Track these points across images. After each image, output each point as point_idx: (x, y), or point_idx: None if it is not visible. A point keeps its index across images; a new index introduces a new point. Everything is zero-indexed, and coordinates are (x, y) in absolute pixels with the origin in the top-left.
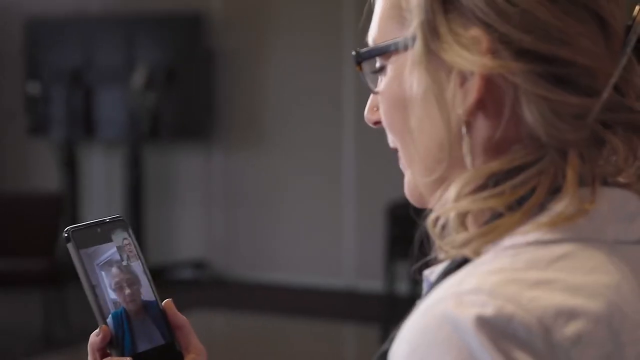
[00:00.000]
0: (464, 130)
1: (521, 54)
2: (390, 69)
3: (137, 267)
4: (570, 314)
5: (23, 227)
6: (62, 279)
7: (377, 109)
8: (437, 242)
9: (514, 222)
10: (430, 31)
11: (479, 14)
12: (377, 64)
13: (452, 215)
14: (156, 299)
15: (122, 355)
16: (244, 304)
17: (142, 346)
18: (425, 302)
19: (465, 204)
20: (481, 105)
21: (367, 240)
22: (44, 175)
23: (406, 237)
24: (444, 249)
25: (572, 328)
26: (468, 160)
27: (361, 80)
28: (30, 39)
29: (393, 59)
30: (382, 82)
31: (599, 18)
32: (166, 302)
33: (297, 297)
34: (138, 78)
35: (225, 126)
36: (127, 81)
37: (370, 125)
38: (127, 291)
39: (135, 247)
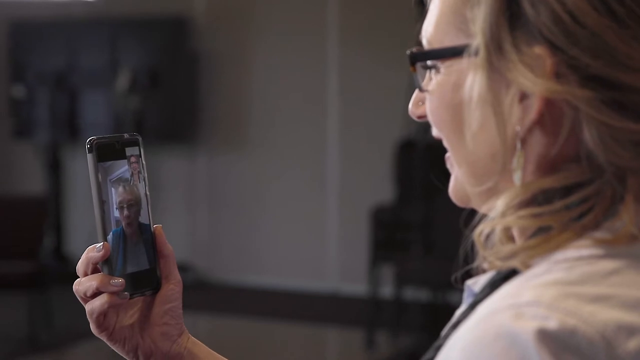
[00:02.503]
0: (519, 145)
1: (587, 79)
2: (445, 72)
3: (141, 188)
4: (630, 330)
5: (7, 230)
6: (46, 281)
7: (422, 104)
8: (481, 252)
9: (568, 238)
10: (495, 46)
11: (545, 33)
12: (429, 62)
13: (499, 227)
14: (150, 223)
15: (112, 273)
16: (227, 307)
17: (130, 268)
18: (479, 313)
19: (515, 219)
20: (539, 122)
21: (350, 244)
22: (28, 178)
23: (390, 240)
24: (489, 259)
25: (633, 343)
26: (517, 175)
27: (414, 78)
28: (14, 42)
29: (449, 62)
30: (433, 82)
31: None
32: (157, 228)
33: (281, 300)
34: (122, 81)
35: (209, 129)
36: (111, 84)
37: (414, 118)
38: (126, 212)
39: (142, 165)
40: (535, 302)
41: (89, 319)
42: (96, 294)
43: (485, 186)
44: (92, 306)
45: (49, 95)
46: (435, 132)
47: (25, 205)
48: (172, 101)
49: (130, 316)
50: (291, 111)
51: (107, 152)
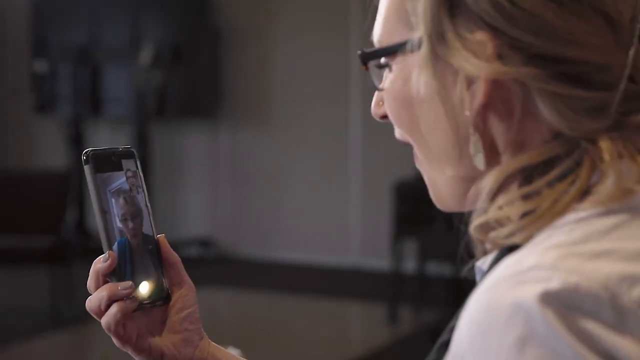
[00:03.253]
0: (471, 131)
1: (530, 57)
2: (395, 69)
3: (141, 199)
4: (633, 279)
5: (30, 205)
6: (68, 256)
7: (383, 104)
8: (483, 240)
9: (561, 209)
10: (437, 36)
11: (486, 18)
12: (382, 60)
13: (493, 217)
14: (153, 233)
15: (122, 281)
16: (249, 282)
17: (139, 278)
18: (484, 283)
19: (507, 209)
20: (490, 106)
21: (373, 219)
22: (50, 152)
23: (412, 215)
24: (491, 243)
25: (637, 291)
26: (478, 158)
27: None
28: (36, 16)
29: (399, 59)
30: (387, 80)
31: (604, 14)
32: (160, 238)
33: (303, 275)
34: (145, 56)
35: (232, 104)
36: (134, 59)
37: (377, 119)
38: (131, 224)
39: (140, 178)
40: (536, 265)
41: (109, 334)
42: (109, 306)
43: (455, 173)
44: (107, 318)
45: (71, 70)
46: (397, 133)
47: (48, 180)
48: (195, 76)
49: (149, 325)
50: (314, 86)
51: (104, 164)
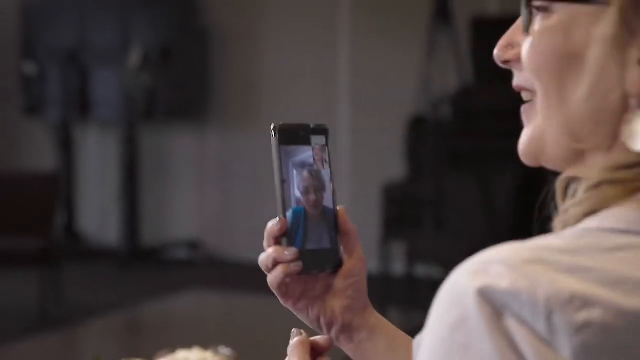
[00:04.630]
0: (634, 105)
1: None
2: (561, 16)
3: (326, 174)
4: (585, 302)
5: (19, 207)
6: (57, 258)
7: (512, 48)
8: (559, 201)
9: (614, 197)
10: (635, 8)
11: None
12: (542, 2)
13: (587, 184)
14: (334, 207)
15: (290, 246)
16: (237, 284)
17: (311, 245)
18: (467, 261)
19: (605, 175)
20: None
21: (362, 220)
22: (39, 155)
23: (401, 217)
24: (567, 215)
25: (583, 315)
26: (635, 140)
27: (522, 16)
28: (26, 18)
29: (571, 7)
30: (542, 25)
31: None
32: (340, 209)
33: None
34: (133, 58)
35: (221, 106)
36: (122, 61)
37: (499, 63)
38: (313, 197)
39: (328, 154)
40: (503, 260)
41: (273, 290)
42: (274, 266)
43: (579, 144)
44: (271, 277)
45: (60, 72)
46: (521, 80)
47: (37, 182)
48: (184, 78)
49: (316, 289)
50: (302, 87)
51: (290, 137)
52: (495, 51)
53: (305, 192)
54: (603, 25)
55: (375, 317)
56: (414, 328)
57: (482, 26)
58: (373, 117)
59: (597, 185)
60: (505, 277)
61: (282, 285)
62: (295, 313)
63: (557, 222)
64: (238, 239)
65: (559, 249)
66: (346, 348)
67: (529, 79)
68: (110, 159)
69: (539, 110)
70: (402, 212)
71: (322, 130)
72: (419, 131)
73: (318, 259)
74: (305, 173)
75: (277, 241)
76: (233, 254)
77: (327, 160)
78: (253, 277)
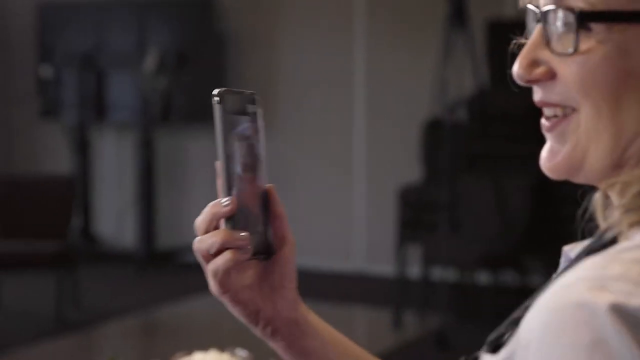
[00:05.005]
0: None
1: None
2: (616, 37)
3: (260, 148)
4: None
5: (36, 210)
6: (74, 261)
7: (538, 66)
8: (599, 212)
9: None
10: None
11: None
12: (585, 25)
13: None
14: (264, 185)
15: (239, 230)
16: None
17: (250, 229)
18: (566, 278)
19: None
20: None
21: (377, 224)
22: (55, 158)
23: (417, 220)
24: (604, 220)
25: None
26: None
27: (555, 36)
28: (42, 22)
29: (623, 27)
30: (590, 46)
31: None
32: (270, 188)
33: (307, 280)
34: (150, 61)
35: None
36: (138, 65)
37: (521, 82)
38: (250, 174)
39: (259, 126)
40: (622, 276)
41: (211, 280)
42: (218, 252)
43: (625, 155)
44: (216, 264)
45: (76, 76)
46: (552, 96)
47: (53, 185)
48: (200, 82)
49: (248, 277)
50: (318, 91)
51: (233, 105)
52: (517, 70)
53: (245, 168)
54: None
55: (310, 311)
56: (429, 330)
57: (498, 29)
58: (389, 121)
59: None
60: (634, 294)
61: (226, 274)
62: (231, 308)
63: (603, 227)
64: None
65: None
66: (280, 344)
67: (567, 95)
68: (127, 162)
69: (583, 127)
70: (417, 215)
71: (253, 99)
72: (435, 134)
73: (255, 245)
74: (245, 147)
75: (223, 223)
76: None
77: (260, 130)
78: None
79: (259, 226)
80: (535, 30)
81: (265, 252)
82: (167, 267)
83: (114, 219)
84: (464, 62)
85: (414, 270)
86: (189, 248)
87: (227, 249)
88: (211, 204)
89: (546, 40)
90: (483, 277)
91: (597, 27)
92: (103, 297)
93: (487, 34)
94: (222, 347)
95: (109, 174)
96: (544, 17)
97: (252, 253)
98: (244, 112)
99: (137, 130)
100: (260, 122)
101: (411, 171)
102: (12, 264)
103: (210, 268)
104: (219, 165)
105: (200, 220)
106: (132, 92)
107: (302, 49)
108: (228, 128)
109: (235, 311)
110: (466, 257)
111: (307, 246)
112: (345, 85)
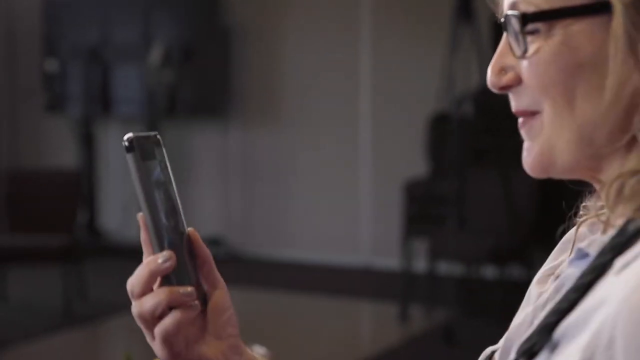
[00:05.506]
0: None
1: None
2: (561, 33)
3: (172, 192)
4: None
5: (42, 204)
6: (80, 255)
7: (506, 72)
8: (609, 205)
9: None
10: (636, 9)
11: None
12: (530, 26)
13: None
14: (184, 229)
15: (184, 284)
16: (260, 281)
17: (185, 281)
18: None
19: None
20: None
21: (383, 218)
22: (61, 152)
23: (423, 214)
24: (615, 213)
25: None
26: None
27: (512, 40)
28: (48, 16)
29: (567, 22)
30: (540, 44)
31: None
32: (191, 232)
33: (314, 274)
34: (155, 55)
35: (242, 103)
36: (144, 58)
37: (495, 90)
38: (172, 221)
39: (168, 169)
40: None
41: (159, 345)
42: (164, 313)
43: (596, 151)
44: (164, 326)
45: (82, 70)
46: (524, 102)
47: (59, 179)
48: (205, 75)
49: (194, 334)
50: (324, 84)
51: (145, 149)
52: (490, 78)
53: (167, 216)
54: (612, 29)
55: (249, 352)
56: (435, 324)
57: None
58: (395, 115)
59: None
60: None
61: (177, 335)
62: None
63: (619, 222)
64: (260, 235)
65: None
66: None
67: (535, 99)
68: None
69: (546, 124)
70: (424, 209)
71: (158, 141)
72: (441, 128)
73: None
74: (162, 194)
75: (161, 281)
76: (255, 251)
77: (170, 175)
78: (275, 273)
79: (192, 275)
80: (503, 37)
81: (202, 300)
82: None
83: (120, 212)
84: (471, 56)
85: (420, 265)
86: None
87: (172, 308)
88: (145, 262)
89: (509, 45)
90: (489, 272)
91: (542, 27)
92: (109, 291)
93: (493, 27)
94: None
95: (114, 168)
96: (505, 23)
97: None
98: (154, 157)
99: (143, 124)
100: (167, 164)
101: (417, 165)
102: (19, 258)
103: (158, 331)
104: (143, 217)
105: (136, 282)
106: (138, 86)
107: (307, 43)
108: (145, 176)
109: None
110: (472, 251)
111: (313, 240)
112: (351, 79)
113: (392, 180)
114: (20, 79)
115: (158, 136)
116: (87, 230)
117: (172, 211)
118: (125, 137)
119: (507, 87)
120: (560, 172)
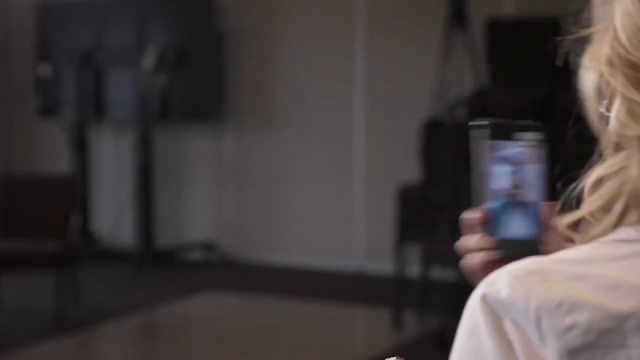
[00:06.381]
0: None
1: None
2: None
3: (533, 170)
4: (574, 307)
5: (36, 209)
6: (74, 260)
7: None
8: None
9: (609, 227)
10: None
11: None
12: None
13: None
14: (537, 202)
15: (492, 236)
16: (253, 286)
17: (511, 235)
18: None
19: (586, 206)
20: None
21: (377, 223)
22: (54, 156)
23: (416, 220)
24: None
25: (569, 319)
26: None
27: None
28: (41, 21)
29: None
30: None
31: None
32: (544, 206)
33: (307, 279)
34: (149, 59)
35: (236, 107)
36: (137, 63)
37: None
38: (512, 191)
39: (543, 151)
40: (511, 272)
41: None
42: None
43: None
44: (472, 262)
45: (75, 74)
46: None
47: (52, 184)
48: (199, 80)
49: None
50: (318, 90)
51: (499, 133)
52: None
53: (507, 186)
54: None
55: None
56: (428, 330)
57: (497, 28)
58: (389, 120)
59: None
60: (507, 287)
61: (479, 271)
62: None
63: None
64: (253, 240)
65: (571, 260)
66: None
67: None
68: (126, 160)
69: None
70: (417, 214)
71: (536, 128)
72: (435, 134)
73: (519, 248)
74: (508, 168)
75: (479, 229)
76: (248, 256)
77: (539, 157)
78: (268, 278)
79: (526, 234)
80: None
81: (535, 255)
82: (166, 266)
83: (113, 217)
84: (464, 61)
85: (414, 270)
86: (188, 246)
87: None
88: (469, 213)
89: None
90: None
91: None
92: (103, 296)
93: (487, 33)
94: (221, 344)
95: (108, 172)
96: None
97: (517, 254)
98: (516, 138)
99: (136, 129)
100: (544, 148)
101: (411, 171)
102: (12, 264)
103: (468, 265)
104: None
105: (464, 228)
106: (131, 90)
107: (301, 47)
108: (487, 151)
109: None
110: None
111: (306, 246)
112: (345, 84)
113: (385, 185)
114: (14, 84)
115: (537, 125)
116: (81, 235)
117: (518, 184)
118: (487, 121)
119: None
120: None
